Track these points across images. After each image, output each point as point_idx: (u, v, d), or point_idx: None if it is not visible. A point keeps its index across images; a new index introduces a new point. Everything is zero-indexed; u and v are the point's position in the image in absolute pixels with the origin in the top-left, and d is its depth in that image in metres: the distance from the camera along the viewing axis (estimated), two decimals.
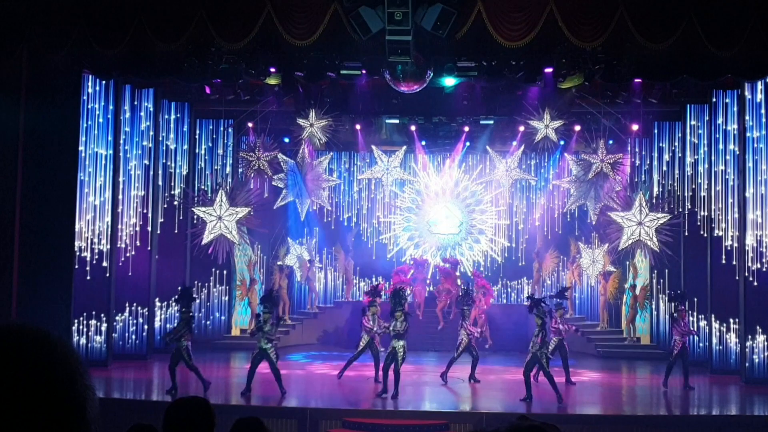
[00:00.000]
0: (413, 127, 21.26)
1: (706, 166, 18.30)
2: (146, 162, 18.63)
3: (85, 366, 1.47)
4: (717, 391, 16.09)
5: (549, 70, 15.78)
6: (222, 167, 20.94)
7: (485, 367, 17.66)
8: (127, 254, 18.14)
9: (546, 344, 14.50)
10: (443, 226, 23.44)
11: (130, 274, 18.10)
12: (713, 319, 17.52)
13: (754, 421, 13.37)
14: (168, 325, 19.62)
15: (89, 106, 16.91)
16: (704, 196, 18.32)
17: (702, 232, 18.23)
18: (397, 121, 20.86)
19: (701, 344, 18.28)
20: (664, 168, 20.41)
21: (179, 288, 15.79)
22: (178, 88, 18.74)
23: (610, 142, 19.94)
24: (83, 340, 16.83)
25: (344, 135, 21.09)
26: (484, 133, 21.55)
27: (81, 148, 16.46)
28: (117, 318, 17.96)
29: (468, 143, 22.08)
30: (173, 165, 19.80)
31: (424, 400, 14.67)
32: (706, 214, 18.19)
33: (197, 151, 20.68)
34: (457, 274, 21.98)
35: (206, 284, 20.76)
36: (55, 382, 1.39)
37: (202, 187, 20.15)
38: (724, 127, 17.53)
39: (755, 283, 16.11)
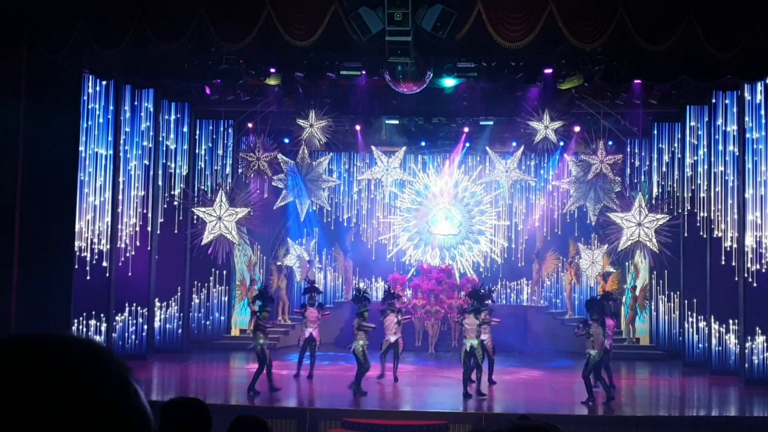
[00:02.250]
0: (413, 128, 21.27)
1: (706, 167, 18.31)
2: (146, 162, 18.63)
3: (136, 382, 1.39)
4: (716, 392, 16.11)
5: (549, 70, 15.80)
6: (222, 168, 20.94)
7: (485, 368, 17.64)
8: (127, 254, 18.13)
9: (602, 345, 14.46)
10: (443, 226, 23.44)
11: (129, 274, 18.09)
12: (713, 320, 17.51)
13: (754, 422, 13.38)
14: (168, 326, 19.66)
15: (89, 107, 16.90)
16: (704, 197, 18.33)
17: (701, 233, 18.24)
18: (396, 121, 20.87)
19: (700, 345, 18.30)
20: (664, 169, 20.42)
21: (257, 288, 16.03)
22: (178, 89, 18.74)
23: (610, 143, 19.95)
24: None
25: (344, 135, 21.09)
26: (484, 134, 21.55)
27: (81, 148, 16.45)
28: (117, 318, 17.96)
29: (468, 144, 22.08)
30: (173, 165, 19.80)
31: (424, 400, 14.67)
32: (705, 215, 18.19)
33: (197, 151, 20.68)
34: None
35: (206, 284, 20.76)
36: (112, 401, 1.32)
37: (202, 187, 20.16)
38: (723, 128, 17.53)
39: (755, 284, 16.11)
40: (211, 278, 20.75)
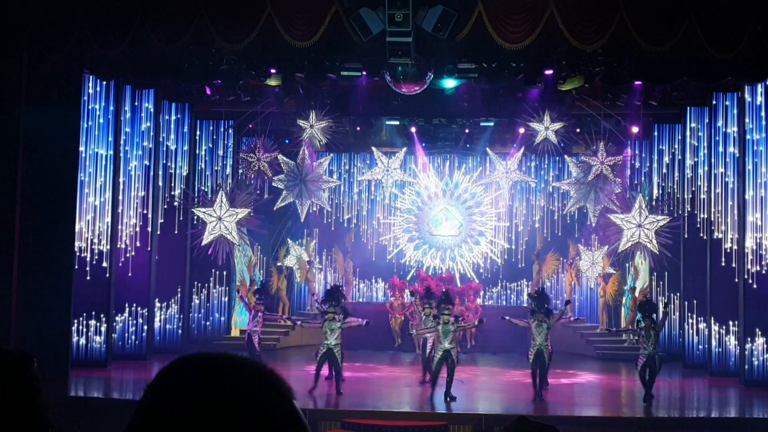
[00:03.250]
0: (413, 129, 21.28)
1: (706, 168, 18.31)
2: (146, 163, 18.61)
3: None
4: (716, 394, 16.10)
5: (549, 72, 15.79)
6: (222, 168, 20.94)
7: (485, 369, 17.67)
8: (127, 255, 18.12)
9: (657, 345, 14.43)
10: (443, 227, 23.45)
11: (129, 274, 18.08)
12: (713, 321, 17.51)
13: (754, 423, 13.37)
14: (168, 326, 19.65)
15: (90, 107, 16.90)
16: (704, 199, 18.32)
17: (702, 235, 18.23)
18: (397, 122, 20.87)
19: (700, 346, 18.30)
20: (664, 170, 20.42)
21: (328, 287, 16.29)
22: (178, 89, 18.73)
23: (610, 144, 19.94)
24: (83, 341, 16.83)
25: (344, 136, 21.08)
26: (484, 135, 21.55)
27: (81, 148, 16.45)
28: (117, 318, 17.95)
29: (468, 145, 22.08)
30: (173, 166, 19.79)
31: (423, 401, 14.66)
32: (705, 216, 18.19)
33: (197, 152, 20.68)
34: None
35: (206, 285, 20.75)
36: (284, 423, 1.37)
37: (203, 188, 20.15)
38: (724, 129, 17.53)
39: (755, 286, 16.11)
40: (211, 279, 20.75)
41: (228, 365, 1.39)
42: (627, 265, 20.92)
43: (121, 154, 17.78)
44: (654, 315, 14.57)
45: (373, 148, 22.17)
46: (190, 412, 1.32)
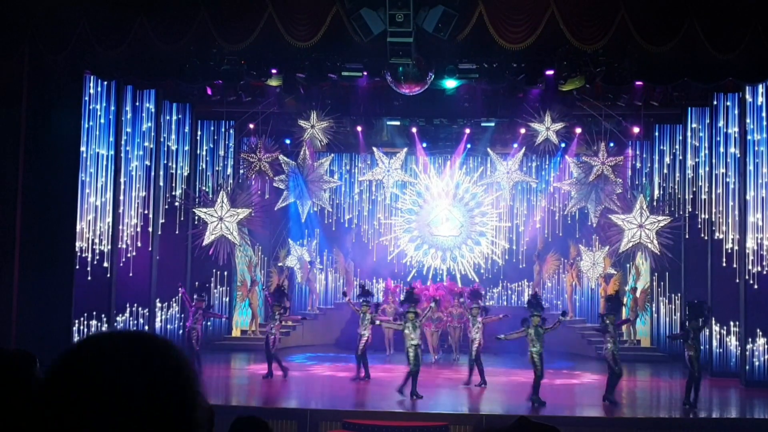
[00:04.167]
0: (414, 129, 21.28)
1: (707, 168, 18.31)
2: (147, 163, 18.62)
3: (195, 371, 1.55)
4: (717, 394, 16.09)
5: (550, 72, 15.81)
6: (223, 168, 20.95)
7: (486, 369, 17.64)
8: (128, 255, 18.11)
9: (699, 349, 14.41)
10: (444, 228, 23.44)
11: (130, 274, 18.07)
12: (713, 322, 17.49)
13: (754, 424, 13.38)
14: (168, 326, 19.64)
15: (91, 107, 16.89)
16: (705, 199, 18.33)
17: (703, 235, 18.24)
18: (398, 122, 20.88)
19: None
20: (665, 171, 20.42)
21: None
22: (179, 89, 18.73)
23: (611, 144, 19.94)
24: None
25: (345, 136, 21.07)
26: (485, 135, 21.55)
27: (82, 148, 16.45)
28: (117, 319, 17.93)
29: (469, 145, 22.08)
30: (174, 166, 19.80)
31: (424, 401, 14.67)
32: (706, 217, 18.19)
33: (198, 152, 20.69)
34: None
35: (207, 285, 20.73)
36: (171, 387, 1.48)
37: (203, 188, 20.16)
38: (725, 130, 17.53)
39: (755, 286, 16.12)
40: (212, 279, 20.75)
41: (119, 340, 1.51)
42: (628, 265, 20.91)
43: (122, 155, 17.78)
44: (701, 318, 14.58)
45: (374, 149, 22.17)
46: (80, 384, 1.44)
